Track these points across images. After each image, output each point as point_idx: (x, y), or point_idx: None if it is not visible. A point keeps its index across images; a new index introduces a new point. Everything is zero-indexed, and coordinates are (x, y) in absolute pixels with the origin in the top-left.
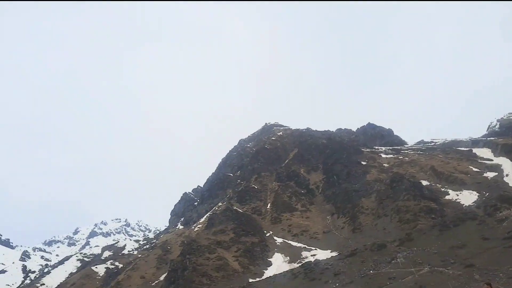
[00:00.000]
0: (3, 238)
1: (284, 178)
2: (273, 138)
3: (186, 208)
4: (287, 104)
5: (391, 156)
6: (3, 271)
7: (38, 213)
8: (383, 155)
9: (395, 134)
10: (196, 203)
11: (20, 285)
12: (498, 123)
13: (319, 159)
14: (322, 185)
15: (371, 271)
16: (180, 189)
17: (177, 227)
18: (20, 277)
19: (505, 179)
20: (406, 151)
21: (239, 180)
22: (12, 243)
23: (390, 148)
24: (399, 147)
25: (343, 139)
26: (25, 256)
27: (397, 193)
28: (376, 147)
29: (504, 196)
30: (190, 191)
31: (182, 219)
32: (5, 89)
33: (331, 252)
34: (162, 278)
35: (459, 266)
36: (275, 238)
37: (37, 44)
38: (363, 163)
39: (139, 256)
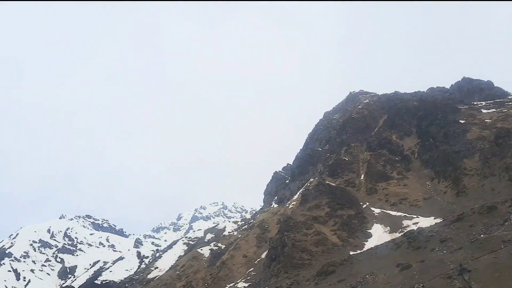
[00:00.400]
0: (117, 228)
1: (375, 146)
2: (359, 106)
3: (278, 187)
4: (371, 70)
5: (494, 110)
6: (121, 258)
7: (145, 203)
8: (484, 110)
9: (495, 86)
10: (287, 181)
11: (137, 269)
12: None
13: (411, 123)
14: (418, 149)
15: (481, 235)
16: (271, 169)
17: (271, 206)
18: (136, 262)
19: None
20: (511, 103)
21: (328, 154)
22: (125, 232)
23: (492, 101)
24: (502, 100)
25: (436, 98)
26: (138, 243)
27: (504, 150)
28: (475, 103)
29: None
30: (280, 169)
31: (276, 197)
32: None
33: (434, 218)
34: (263, 256)
35: None
36: (372, 209)
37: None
38: (462, 121)
39: (239, 236)
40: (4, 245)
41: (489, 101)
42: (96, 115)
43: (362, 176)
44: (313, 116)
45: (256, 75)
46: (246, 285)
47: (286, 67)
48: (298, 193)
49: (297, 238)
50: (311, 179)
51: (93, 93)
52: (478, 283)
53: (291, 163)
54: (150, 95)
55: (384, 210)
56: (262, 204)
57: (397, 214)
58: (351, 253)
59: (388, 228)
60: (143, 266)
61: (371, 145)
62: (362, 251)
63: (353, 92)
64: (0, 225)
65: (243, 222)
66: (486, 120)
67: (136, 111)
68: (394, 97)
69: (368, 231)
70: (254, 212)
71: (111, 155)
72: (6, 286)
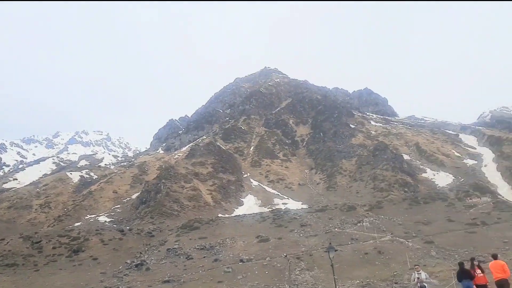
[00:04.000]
0: None
1: (272, 124)
2: (269, 83)
3: (169, 135)
4: (292, 53)
5: (380, 125)
6: None
7: (19, 108)
8: (373, 123)
9: (388, 104)
10: (180, 131)
11: None
12: (490, 114)
13: (310, 113)
14: (308, 139)
15: (336, 229)
16: (167, 115)
17: (157, 151)
18: None
19: (483, 168)
20: (395, 123)
21: (227, 118)
22: None
23: (381, 117)
24: (390, 118)
25: (337, 98)
26: (1, 148)
27: (377, 161)
28: (368, 113)
29: (478, 185)
30: (177, 118)
31: (164, 144)
32: None
33: (302, 204)
34: (134, 196)
35: (419, 240)
36: (251, 180)
37: None
38: (352, 126)
39: (115, 171)
40: None
41: (379, 116)
42: None
43: (252, 148)
44: (225, 78)
45: (184, 17)
46: (108, 220)
47: (219, 26)
48: (187, 146)
49: (173, 188)
50: (204, 137)
51: None
52: (319, 268)
53: (189, 116)
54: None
55: (262, 185)
56: (149, 146)
57: (271, 191)
58: (220, 215)
59: (260, 201)
60: (1, 173)
61: (269, 122)
62: (230, 216)
63: (268, 68)
64: None
65: (124, 159)
66: (371, 131)
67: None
68: (303, 85)
69: (242, 199)
70: (138, 152)
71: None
72: None
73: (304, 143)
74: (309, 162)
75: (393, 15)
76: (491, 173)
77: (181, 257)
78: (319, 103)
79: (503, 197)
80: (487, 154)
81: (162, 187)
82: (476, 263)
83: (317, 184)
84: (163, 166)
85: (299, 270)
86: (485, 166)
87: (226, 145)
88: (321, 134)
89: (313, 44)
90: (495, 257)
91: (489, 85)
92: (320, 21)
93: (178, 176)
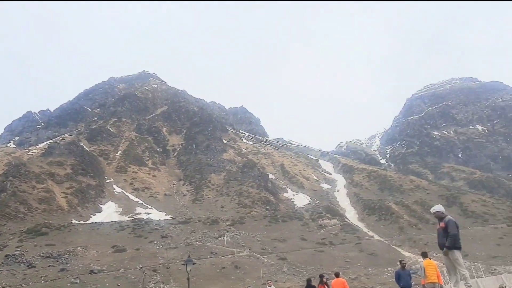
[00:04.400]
0: None
1: (144, 130)
2: (146, 87)
3: (25, 128)
4: (173, 61)
5: (251, 143)
6: None
7: None
8: (244, 140)
9: (261, 124)
10: (39, 126)
11: None
12: (346, 145)
13: (185, 123)
14: (180, 149)
15: (197, 242)
16: (24, 107)
17: (8, 145)
18: None
19: (336, 193)
20: (265, 143)
21: (96, 118)
22: None
23: (253, 136)
24: (260, 137)
25: (214, 112)
26: None
27: (245, 178)
28: (241, 131)
29: (330, 208)
30: (37, 111)
31: (18, 138)
32: None
33: (166, 215)
34: None
35: (274, 257)
36: (114, 186)
37: None
38: (225, 141)
39: None
40: None
41: (251, 134)
42: None
43: (119, 152)
44: (98, 75)
45: None
46: None
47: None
48: (45, 143)
49: (22, 188)
50: (67, 135)
51: None
52: (175, 281)
53: (52, 110)
54: None
55: (125, 192)
56: None
57: (135, 200)
58: (73, 221)
59: (121, 209)
60: None
61: (141, 127)
62: (85, 222)
63: (147, 71)
64: None
65: None
66: (242, 149)
67: None
68: (180, 95)
69: (101, 205)
70: None
71: None
72: None
73: (176, 153)
74: (178, 172)
75: (273, 42)
76: (342, 198)
77: (22, 265)
78: (195, 115)
79: (349, 220)
80: (340, 180)
81: (8, 185)
82: (324, 279)
83: (184, 195)
84: (13, 162)
85: (154, 283)
86: (338, 191)
87: (90, 147)
88: (194, 146)
89: (196, 55)
90: (337, 275)
91: (349, 118)
92: (205, 32)
93: (30, 175)
